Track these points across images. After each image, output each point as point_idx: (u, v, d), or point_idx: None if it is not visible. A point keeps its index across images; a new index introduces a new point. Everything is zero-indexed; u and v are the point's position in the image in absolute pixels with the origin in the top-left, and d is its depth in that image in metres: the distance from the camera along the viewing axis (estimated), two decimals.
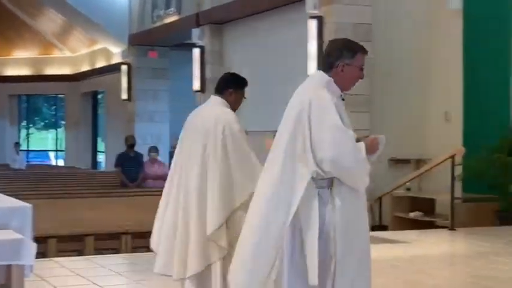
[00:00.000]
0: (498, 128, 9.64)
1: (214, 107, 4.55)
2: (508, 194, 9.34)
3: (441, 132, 10.90)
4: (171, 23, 16.73)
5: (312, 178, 3.33)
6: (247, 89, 4.69)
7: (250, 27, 14.54)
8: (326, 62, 3.54)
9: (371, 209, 10.98)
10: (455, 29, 10.74)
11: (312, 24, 11.52)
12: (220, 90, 4.60)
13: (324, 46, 11.40)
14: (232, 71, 4.96)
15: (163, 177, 12.21)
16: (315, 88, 3.47)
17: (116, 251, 8.52)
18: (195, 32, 15.38)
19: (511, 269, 5.93)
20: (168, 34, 17.07)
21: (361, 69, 3.53)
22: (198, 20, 15.50)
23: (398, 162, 11.12)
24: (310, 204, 3.33)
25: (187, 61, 16.43)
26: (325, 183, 3.35)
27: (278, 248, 3.35)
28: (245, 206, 4.16)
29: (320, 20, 11.47)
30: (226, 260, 4.28)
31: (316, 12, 11.50)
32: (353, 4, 11.41)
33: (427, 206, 10.15)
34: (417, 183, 10.81)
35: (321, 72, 3.54)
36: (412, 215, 10.14)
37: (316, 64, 11.54)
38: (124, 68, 18.63)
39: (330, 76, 3.49)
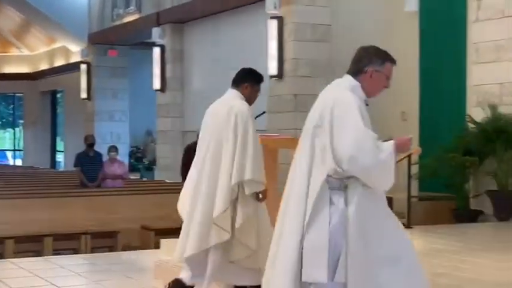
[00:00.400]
0: (453, 128, 9.83)
1: (230, 99, 4.83)
2: (464, 192, 9.54)
3: (398, 131, 11.06)
4: (131, 21, 16.66)
5: (328, 177, 3.38)
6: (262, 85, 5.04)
7: (211, 27, 14.56)
8: (355, 67, 3.63)
9: None
10: (412, 30, 10.93)
11: (272, 25, 11.61)
12: (237, 83, 4.90)
13: (284, 46, 11.61)
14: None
15: (122, 177, 12.19)
16: (340, 89, 3.58)
17: (75, 251, 8.48)
18: (156, 31, 15.34)
19: (467, 267, 6.04)
20: (128, 33, 16.99)
21: (388, 78, 3.65)
22: (158, 19, 15.47)
23: None
24: (320, 203, 3.38)
25: (147, 60, 16.38)
26: (338, 184, 3.39)
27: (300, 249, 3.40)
28: (241, 198, 4.55)
29: (280, 20, 11.57)
30: (226, 247, 4.56)
31: (276, 12, 11.60)
32: (312, 5, 11.53)
33: None
34: None
35: (350, 77, 3.63)
36: None
37: (277, 64, 11.65)
38: (83, 66, 18.49)
39: (357, 81, 3.60)
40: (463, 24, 10.21)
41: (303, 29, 11.52)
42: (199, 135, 4.93)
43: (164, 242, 6.67)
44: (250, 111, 4.74)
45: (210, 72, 14.44)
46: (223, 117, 4.71)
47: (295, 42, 11.50)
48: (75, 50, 19.29)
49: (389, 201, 10.74)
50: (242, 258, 4.59)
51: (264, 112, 7.88)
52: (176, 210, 4.91)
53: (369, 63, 3.59)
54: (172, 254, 6.15)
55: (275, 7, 11.55)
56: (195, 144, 10.85)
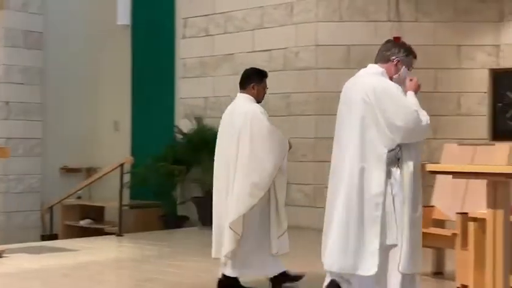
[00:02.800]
0: (164, 138, 10.29)
1: (242, 104, 5.14)
2: (172, 199, 10.06)
3: (111, 141, 11.31)
4: None
5: (388, 153, 3.87)
6: None
7: None
8: (383, 56, 4.16)
9: (42, 219, 10.95)
10: (124, 42, 11.24)
11: None
12: (243, 86, 5.20)
13: None
14: None
15: None
16: (373, 77, 4.06)
17: None
18: None
19: (174, 271, 6.38)
20: None
21: (410, 69, 4.22)
22: None
23: (69, 171, 11.26)
24: (384, 175, 3.90)
25: None
26: (393, 159, 3.89)
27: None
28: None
29: None
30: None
31: None
32: (24, 11, 11.26)
33: (96, 213, 10.46)
34: (88, 191, 11.06)
35: (375, 65, 4.15)
36: (82, 222, 10.37)
37: None
38: None
39: (382, 68, 4.12)
40: (172, 39, 10.78)
41: (13, 35, 11.20)
42: (217, 143, 5.25)
43: None
44: (262, 110, 5.07)
45: None
46: (240, 125, 5.03)
47: (6, 48, 11.13)
48: None
49: (102, 210, 11.02)
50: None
51: None
52: None
53: (397, 54, 4.14)
54: None
55: None
56: None
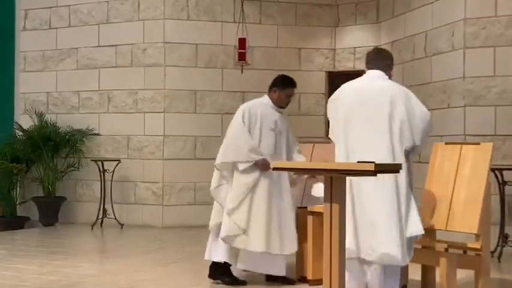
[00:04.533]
0: (2, 134, 9.89)
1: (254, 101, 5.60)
2: (11, 199, 9.67)
3: None
4: None
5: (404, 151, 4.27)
6: None
7: None
8: (385, 64, 4.56)
9: None
10: None
11: None
12: (269, 88, 5.60)
13: None
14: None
15: None
16: (385, 80, 4.48)
17: None
18: None
19: (12, 274, 6.14)
20: None
21: None
22: None
23: None
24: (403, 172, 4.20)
25: None
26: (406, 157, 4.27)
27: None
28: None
29: None
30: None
31: None
32: None
33: None
34: None
35: (378, 70, 4.52)
36: None
37: None
38: None
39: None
40: (12, 31, 10.35)
41: None
42: None
43: None
44: (245, 110, 5.39)
45: None
46: None
47: None
48: None
49: None
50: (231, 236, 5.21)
51: None
52: None
53: (392, 63, 4.61)
54: None
55: None
56: None
